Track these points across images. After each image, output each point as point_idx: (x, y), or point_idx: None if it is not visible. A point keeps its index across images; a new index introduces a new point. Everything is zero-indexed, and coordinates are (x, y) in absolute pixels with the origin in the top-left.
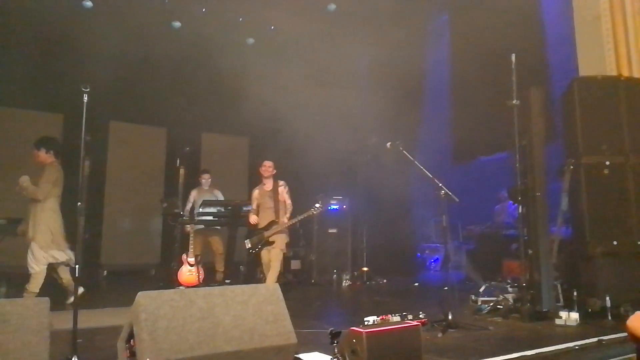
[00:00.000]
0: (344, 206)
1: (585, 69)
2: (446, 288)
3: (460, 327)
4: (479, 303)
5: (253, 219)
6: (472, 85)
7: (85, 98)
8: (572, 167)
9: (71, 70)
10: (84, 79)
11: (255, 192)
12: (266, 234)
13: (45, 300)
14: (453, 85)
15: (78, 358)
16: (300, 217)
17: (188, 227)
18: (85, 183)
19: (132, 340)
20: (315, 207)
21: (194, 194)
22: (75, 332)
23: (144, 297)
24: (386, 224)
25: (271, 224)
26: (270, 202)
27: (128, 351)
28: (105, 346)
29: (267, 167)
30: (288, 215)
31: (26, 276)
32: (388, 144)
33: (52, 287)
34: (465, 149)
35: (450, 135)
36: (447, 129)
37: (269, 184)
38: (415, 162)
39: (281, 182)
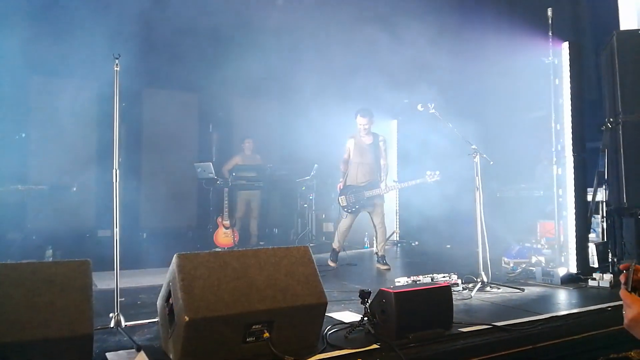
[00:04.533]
0: None
1: (627, 22)
2: (478, 250)
3: (492, 288)
4: (512, 265)
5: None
6: (508, 41)
7: (117, 66)
8: (610, 125)
9: (103, 39)
10: (115, 47)
11: (351, 142)
12: (366, 193)
13: (87, 262)
14: (488, 41)
15: (121, 315)
16: (412, 182)
17: (225, 190)
18: (121, 150)
19: (170, 299)
20: (433, 174)
21: (236, 159)
22: (117, 291)
23: (181, 259)
24: (418, 186)
25: (372, 182)
26: (370, 156)
27: (167, 309)
28: (147, 304)
29: (364, 126)
30: (386, 176)
31: (70, 239)
32: (419, 106)
33: (96, 249)
34: (503, 108)
35: (487, 94)
36: (482, 87)
37: (368, 137)
38: (449, 124)
39: (381, 137)
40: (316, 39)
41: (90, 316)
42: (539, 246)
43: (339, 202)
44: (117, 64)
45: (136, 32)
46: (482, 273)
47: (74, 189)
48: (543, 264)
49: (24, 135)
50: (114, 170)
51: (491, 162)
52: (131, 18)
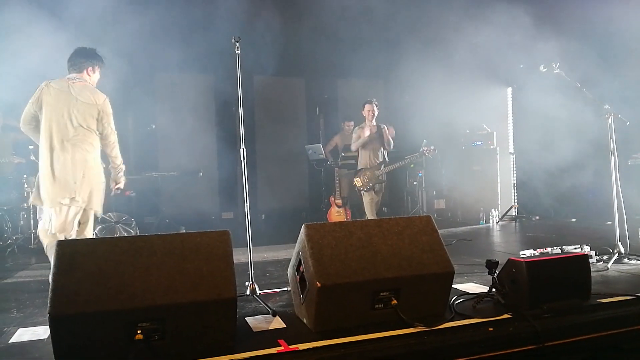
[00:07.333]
0: (489, 142)
1: None
2: (614, 218)
3: (631, 259)
4: None
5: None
6: None
7: (238, 49)
8: None
9: (215, 35)
10: (227, 41)
11: (360, 130)
12: (377, 173)
13: (228, 232)
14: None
15: (255, 284)
16: (408, 159)
17: (336, 170)
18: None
19: (301, 267)
20: (429, 148)
21: (336, 139)
22: (251, 262)
23: (309, 228)
24: (538, 156)
25: (381, 163)
26: (378, 142)
27: (298, 277)
28: (275, 275)
29: (369, 111)
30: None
31: (198, 221)
32: (541, 67)
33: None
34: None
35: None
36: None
37: (372, 125)
38: (577, 83)
39: (382, 125)
40: (420, 8)
41: (234, 281)
42: None
43: (355, 184)
44: (237, 47)
45: (245, 23)
46: (619, 243)
47: (200, 174)
48: None
49: (154, 126)
50: (241, 150)
51: (627, 123)
52: (242, 11)
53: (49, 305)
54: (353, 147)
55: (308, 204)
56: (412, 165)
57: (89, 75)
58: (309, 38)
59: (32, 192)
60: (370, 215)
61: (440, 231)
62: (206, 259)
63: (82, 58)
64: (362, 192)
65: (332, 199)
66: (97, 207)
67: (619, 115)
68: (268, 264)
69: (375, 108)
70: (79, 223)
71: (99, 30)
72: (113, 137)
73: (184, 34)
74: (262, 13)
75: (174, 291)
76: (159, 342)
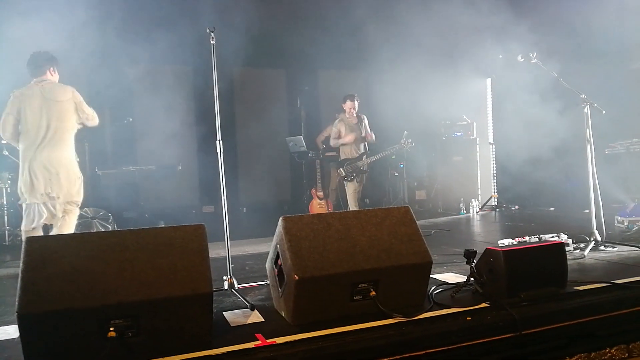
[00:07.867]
0: (469, 132)
1: None
2: (590, 207)
3: (607, 247)
4: (626, 223)
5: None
6: None
7: (213, 39)
8: None
9: (194, 25)
10: (204, 32)
11: (341, 124)
12: (359, 163)
13: (202, 226)
14: None
15: (233, 278)
16: (388, 150)
17: (317, 162)
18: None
19: (279, 261)
20: (407, 141)
21: (329, 129)
22: (229, 256)
23: (286, 221)
24: (517, 146)
25: (363, 154)
26: (358, 133)
27: (276, 270)
28: (254, 269)
29: (350, 109)
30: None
31: (178, 215)
32: (519, 57)
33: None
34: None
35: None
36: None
37: (354, 117)
38: (553, 73)
39: (363, 116)
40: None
41: (209, 276)
42: None
43: (339, 174)
44: (212, 37)
45: (221, 14)
46: (596, 231)
47: (179, 167)
48: None
49: (131, 119)
50: (218, 142)
51: (603, 112)
52: (220, 1)
53: (17, 303)
54: (332, 143)
55: (290, 196)
56: (393, 157)
57: (52, 75)
58: (289, 29)
59: (5, 189)
60: (352, 205)
61: (421, 222)
62: (181, 254)
63: (40, 62)
64: (346, 181)
65: (313, 191)
66: (78, 197)
67: (595, 105)
68: (248, 257)
69: (356, 105)
70: (62, 215)
71: (71, 23)
72: (95, 120)
73: (161, 24)
74: (240, 3)
75: (148, 287)
76: (133, 339)
